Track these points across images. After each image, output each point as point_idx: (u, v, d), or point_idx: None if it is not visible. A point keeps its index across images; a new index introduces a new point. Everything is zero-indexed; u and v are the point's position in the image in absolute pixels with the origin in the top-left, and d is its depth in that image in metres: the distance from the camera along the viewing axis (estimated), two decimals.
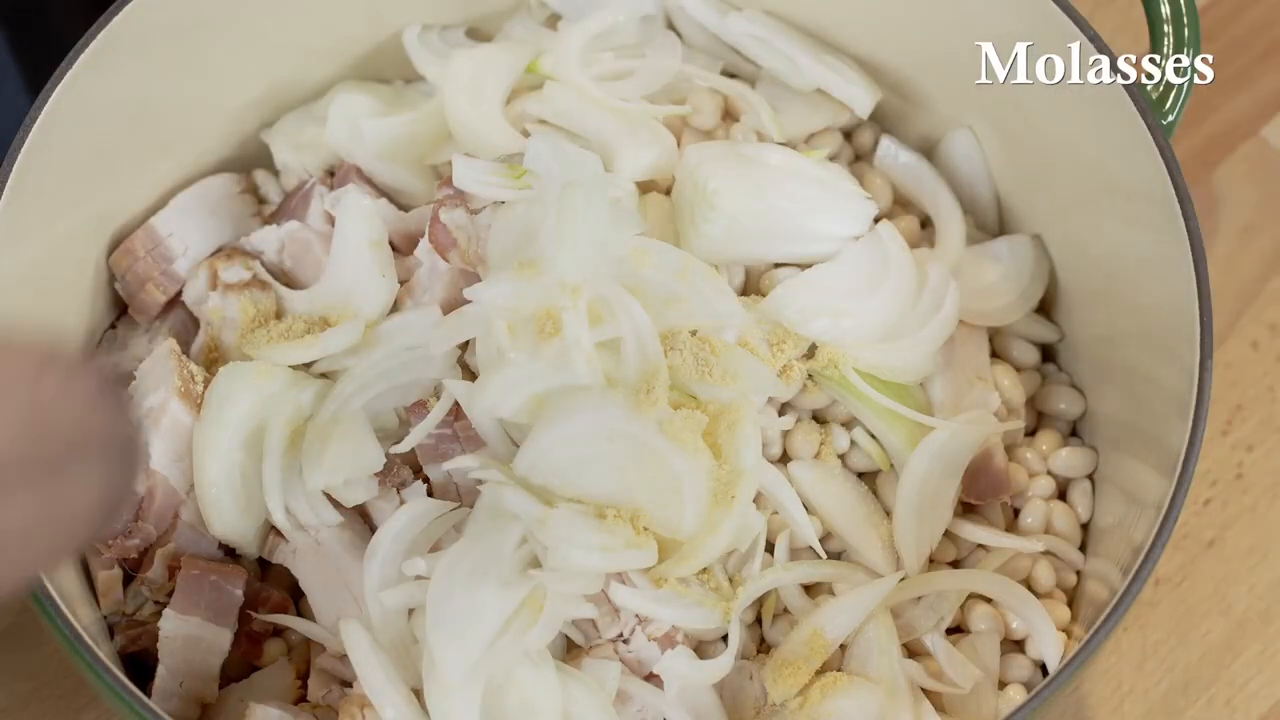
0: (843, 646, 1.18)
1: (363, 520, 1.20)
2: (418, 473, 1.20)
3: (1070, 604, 1.22)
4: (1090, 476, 1.27)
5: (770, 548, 1.19)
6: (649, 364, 1.13)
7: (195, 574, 1.16)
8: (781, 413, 1.23)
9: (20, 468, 0.72)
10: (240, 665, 1.19)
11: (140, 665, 1.19)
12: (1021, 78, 1.26)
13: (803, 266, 1.24)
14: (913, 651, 1.19)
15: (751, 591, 1.16)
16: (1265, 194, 1.51)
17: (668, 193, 1.29)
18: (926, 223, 1.35)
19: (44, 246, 1.21)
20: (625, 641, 1.14)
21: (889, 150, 1.36)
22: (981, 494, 1.23)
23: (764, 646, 1.20)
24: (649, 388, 1.12)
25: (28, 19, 1.64)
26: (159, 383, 1.19)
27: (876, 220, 1.27)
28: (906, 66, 1.36)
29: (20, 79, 1.60)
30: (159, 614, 1.16)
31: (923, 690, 1.16)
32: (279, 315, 1.26)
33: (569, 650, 1.16)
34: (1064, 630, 1.18)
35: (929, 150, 1.37)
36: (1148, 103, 1.18)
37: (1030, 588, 1.21)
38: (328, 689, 1.16)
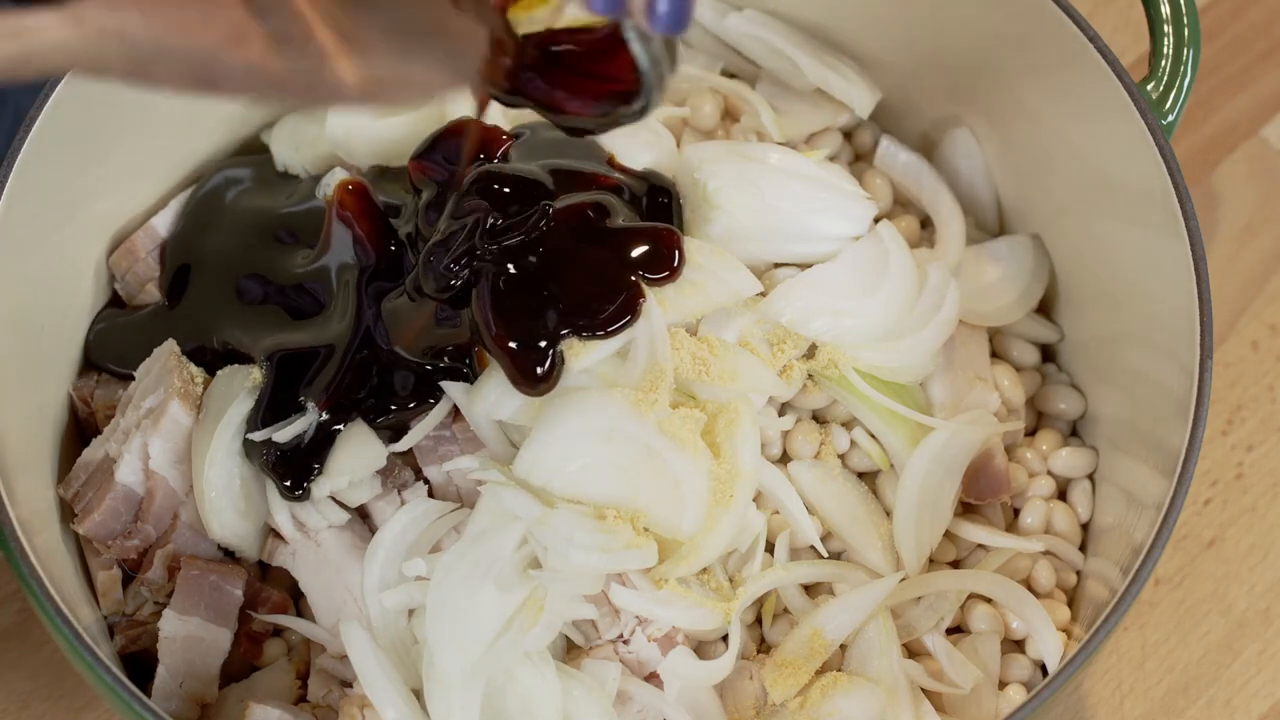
0: (843, 646, 1.18)
1: (362, 521, 1.20)
2: (418, 474, 1.20)
3: (1070, 604, 1.22)
4: (1090, 476, 1.27)
5: (770, 548, 1.19)
6: (656, 367, 1.14)
7: (195, 574, 1.16)
8: (781, 413, 1.23)
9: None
10: (240, 665, 1.19)
11: (140, 665, 1.19)
12: (1021, 78, 1.26)
13: (803, 266, 1.24)
14: (913, 651, 1.19)
15: (751, 591, 1.16)
16: (1265, 194, 1.51)
17: None
18: (926, 223, 1.35)
19: (44, 247, 1.21)
20: (625, 642, 1.14)
21: (889, 150, 1.36)
22: (981, 494, 1.23)
23: (764, 646, 1.20)
24: (651, 388, 1.13)
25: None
26: (158, 383, 1.19)
27: (876, 220, 1.27)
28: (906, 66, 1.36)
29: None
30: (159, 614, 1.16)
31: (923, 690, 1.17)
32: None
33: (569, 651, 1.16)
34: (1064, 630, 1.18)
35: (929, 150, 1.37)
36: (1148, 103, 1.18)
37: (1030, 588, 1.21)
38: (328, 689, 1.16)
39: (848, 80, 1.34)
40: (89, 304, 1.28)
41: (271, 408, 1.17)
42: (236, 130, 1.36)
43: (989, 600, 1.20)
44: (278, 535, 1.18)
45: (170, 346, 1.22)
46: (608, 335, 1.14)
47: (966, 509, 1.24)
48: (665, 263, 1.17)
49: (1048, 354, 1.34)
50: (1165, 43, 1.21)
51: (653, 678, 1.14)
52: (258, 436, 1.16)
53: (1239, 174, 1.52)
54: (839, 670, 1.17)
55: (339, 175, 1.27)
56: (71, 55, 0.84)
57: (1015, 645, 1.20)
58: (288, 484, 1.16)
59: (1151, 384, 1.19)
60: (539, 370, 1.13)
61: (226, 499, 1.18)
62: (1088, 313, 1.30)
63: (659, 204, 1.23)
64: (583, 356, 1.14)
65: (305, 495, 1.16)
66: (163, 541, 1.19)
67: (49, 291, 1.23)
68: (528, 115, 1.34)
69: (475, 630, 1.09)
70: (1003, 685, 1.19)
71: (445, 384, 1.18)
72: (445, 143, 1.21)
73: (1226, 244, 1.48)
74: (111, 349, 1.26)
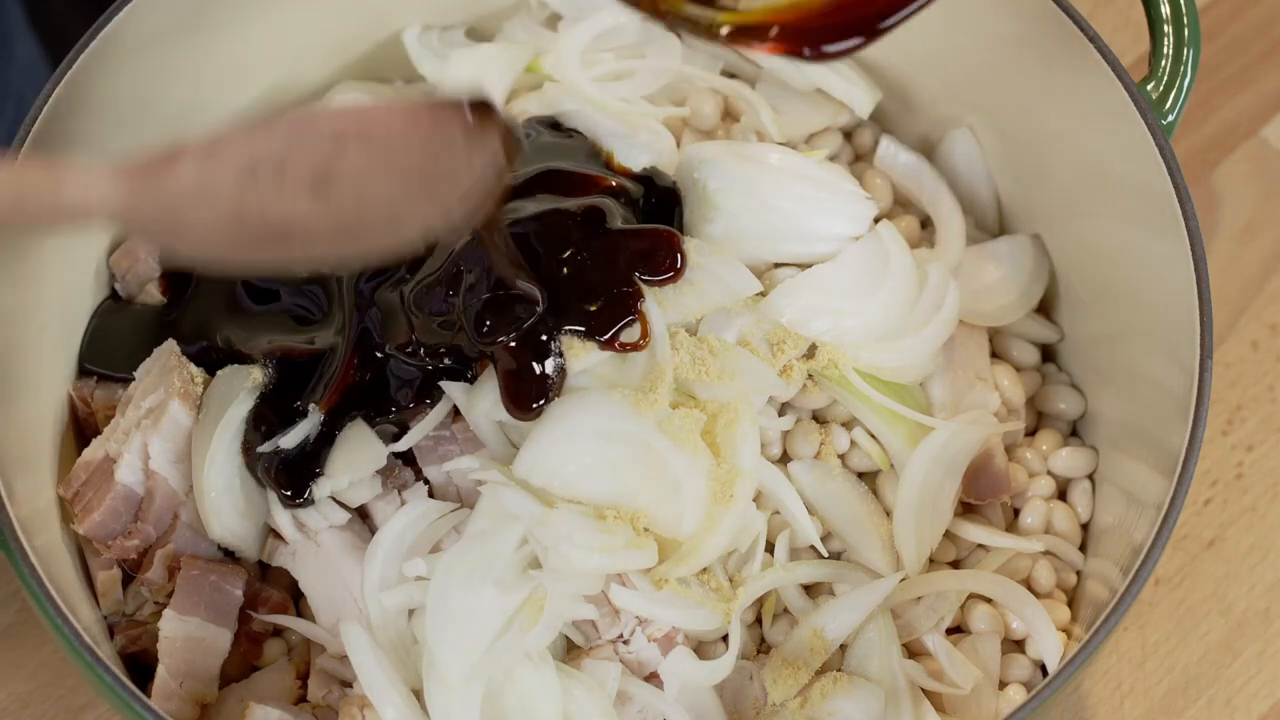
0: (843, 646, 1.18)
1: (362, 521, 1.20)
2: (418, 474, 1.20)
3: (1070, 604, 1.22)
4: (1090, 476, 1.27)
5: (770, 548, 1.19)
6: (656, 367, 1.14)
7: (195, 574, 1.16)
8: (781, 413, 1.23)
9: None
10: (240, 665, 1.19)
11: (140, 665, 1.19)
12: (1021, 78, 1.26)
13: (803, 266, 1.24)
14: (913, 651, 1.19)
15: (751, 591, 1.16)
16: (1265, 194, 1.51)
17: None
18: (926, 223, 1.35)
19: (44, 247, 1.21)
20: (625, 642, 1.14)
21: (889, 150, 1.36)
22: (981, 494, 1.23)
23: (764, 646, 1.20)
24: (651, 388, 1.13)
25: (43, 10, 1.66)
26: (158, 383, 1.19)
27: (876, 220, 1.27)
28: (906, 66, 1.36)
29: (47, 67, 1.62)
30: (159, 614, 1.16)
31: (923, 690, 1.17)
32: None
33: (569, 651, 1.16)
34: (1064, 630, 1.18)
35: (929, 150, 1.37)
36: (1148, 103, 1.18)
37: (1030, 588, 1.21)
38: (328, 689, 1.16)
39: (848, 80, 1.34)
40: (89, 304, 1.28)
41: (272, 410, 1.17)
42: None
43: (989, 600, 1.20)
44: (278, 535, 1.18)
45: (170, 346, 1.22)
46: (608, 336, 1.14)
47: (966, 509, 1.24)
48: (666, 264, 1.17)
49: (1048, 354, 1.34)
50: (1165, 43, 1.21)
51: (653, 678, 1.14)
52: (265, 448, 1.16)
53: (1239, 174, 1.52)
54: (839, 670, 1.17)
55: None
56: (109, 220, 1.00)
57: (1015, 645, 1.20)
58: (289, 493, 1.16)
59: (1151, 384, 1.19)
60: (534, 386, 1.13)
61: (226, 499, 1.18)
62: (1088, 313, 1.30)
63: (659, 204, 1.23)
64: (582, 357, 1.14)
65: (308, 502, 1.16)
66: (163, 541, 1.19)
67: (49, 291, 1.23)
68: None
69: (475, 630, 1.09)
70: (1003, 685, 1.19)
71: (445, 384, 1.18)
72: None
73: (1226, 244, 1.48)
74: (106, 353, 1.25)
